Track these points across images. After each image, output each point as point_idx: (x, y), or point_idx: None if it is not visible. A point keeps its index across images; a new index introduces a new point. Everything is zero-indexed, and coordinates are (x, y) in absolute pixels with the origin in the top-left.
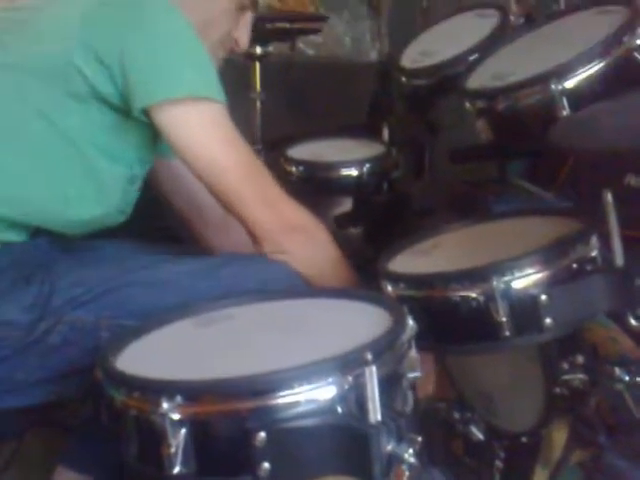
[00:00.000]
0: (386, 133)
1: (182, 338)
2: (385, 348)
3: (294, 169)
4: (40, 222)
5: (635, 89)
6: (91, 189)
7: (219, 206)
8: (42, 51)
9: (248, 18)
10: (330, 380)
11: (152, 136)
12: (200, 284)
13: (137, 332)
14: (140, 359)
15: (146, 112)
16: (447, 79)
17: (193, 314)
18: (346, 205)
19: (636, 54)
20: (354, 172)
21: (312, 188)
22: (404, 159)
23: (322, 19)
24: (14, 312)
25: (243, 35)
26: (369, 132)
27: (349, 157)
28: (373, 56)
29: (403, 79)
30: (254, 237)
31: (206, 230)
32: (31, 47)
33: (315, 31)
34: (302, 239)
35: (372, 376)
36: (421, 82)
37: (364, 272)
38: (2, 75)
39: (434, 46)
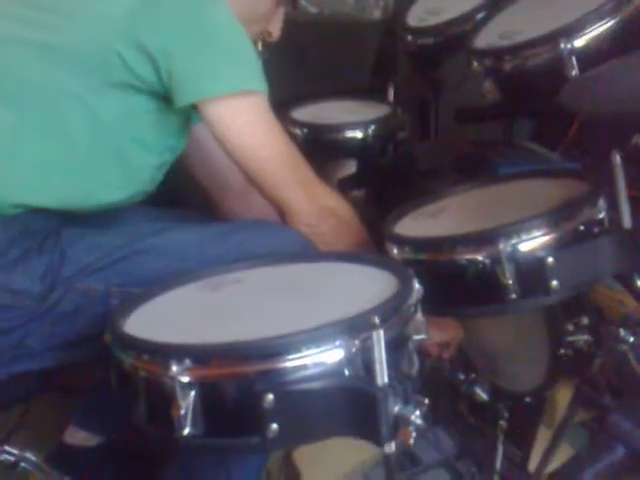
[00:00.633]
0: (391, 93)
1: (190, 302)
2: (392, 312)
3: (298, 131)
4: (62, 206)
5: None
6: (119, 176)
7: (239, 172)
8: (84, 35)
9: (281, 11)
10: (337, 343)
11: (186, 123)
12: (209, 251)
13: (145, 296)
14: (148, 323)
15: (194, 106)
16: (454, 38)
17: (201, 278)
18: (350, 167)
19: None
20: (359, 134)
21: (316, 150)
22: (409, 119)
23: None
24: (27, 281)
25: (276, 28)
26: (373, 92)
27: (354, 118)
28: (377, 14)
29: (409, 38)
30: (289, 219)
31: (225, 196)
32: (74, 30)
33: None
34: (335, 222)
35: (379, 339)
36: (427, 41)
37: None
38: (37, 55)
39: (440, 4)
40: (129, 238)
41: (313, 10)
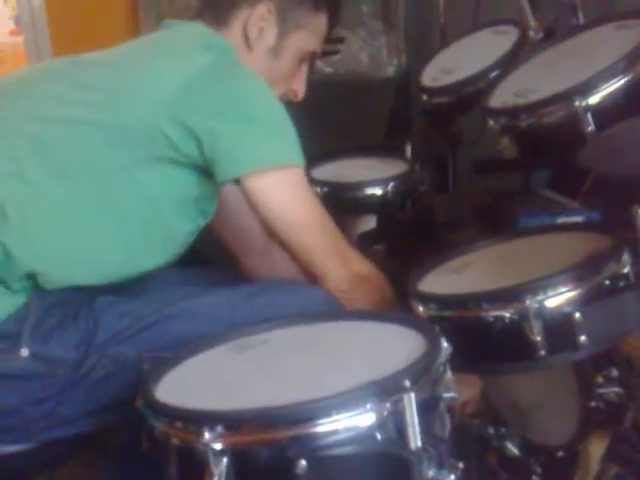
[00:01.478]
0: (409, 150)
1: (218, 365)
2: (422, 373)
3: (319, 190)
4: (105, 281)
5: None
6: (159, 244)
7: (263, 232)
8: (132, 114)
9: (305, 69)
10: (368, 407)
11: (217, 191)
12: (238, 313)
13: (174, 361)
14: (178, 388)
15: (236, 180)
16: (468, 96)
17: (228, 340)
18: (370, 222)
19: None
20: (379, 191)
21: (337, 208)
22: (427, 174)
23: (339, 40)
24: (62, 350)
25: (301, 86)
26: (389, 148)
27: (373, 176)
28: (391, 71)
29: (424, 97)
30: (323, 283)
31: (249, 255)
32: (119, 107)
33: (334, 53)
34: (368, 288)
35: (411, 402)
36: (442, 100)
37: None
38: (83, 131)
39: (454, 63)
40: (159, 303)
41: (328, 70)
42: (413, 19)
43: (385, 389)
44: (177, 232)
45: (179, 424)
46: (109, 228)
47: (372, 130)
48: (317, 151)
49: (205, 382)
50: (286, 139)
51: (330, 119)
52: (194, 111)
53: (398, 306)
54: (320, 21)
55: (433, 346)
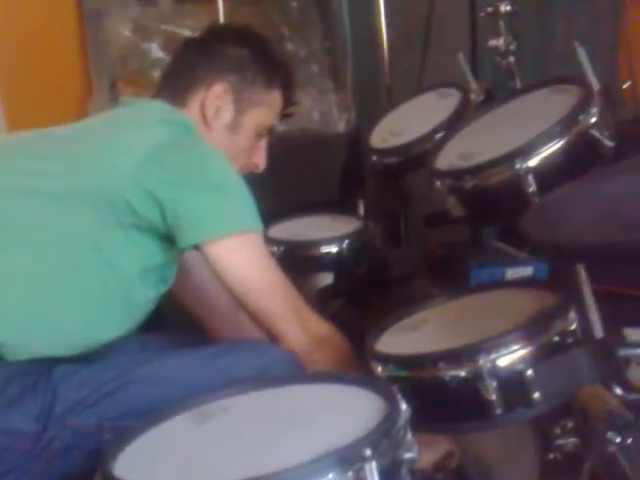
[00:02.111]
0: (361, 207)
1: (177, 437)
2: (382, 438)
3: (276, 249)
4: (68, 353)
5: (596, 172)
6: (122, 313)
7: (227, 297)
8: (94, 183)
9: (264, 143)
10: (330, 477)
11: (177, 257)
12: (197, 377)
13: (134, 433)
14: (138, 463)
15: (196, 246)
16: (416, 156)
17: (187, 409)
18: (327, 278)
19: (592, 131)
20: (334, 249)
21: (294, 266)
22: (381, 229)
23: (294, 104)
24: (23, 421)
25: (261, 159)
26: (343, 205)
27: (328, 234)
28: (341, 128)
29: (374, 158)
30: (284, 347)
31: (216, 320)
32: (80, 176)
33: (289, 116)
34: (327, 349)
35: (372, 470)
36: (392, 160)
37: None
38: (45, 201)
39: (401, 125)
40: (119, 370)
41: (281, 128)
42: (361, 78)
43: (345, 459)
44: (139, 299)
45: None
46: (72, 296)
47: (327, 186)
48: (274, 208)
49: (163, 457)
50: (244, 206)
51: (285, 176)
52: (156, 179)
53: (358, 366)
54: (274, 97)
55: (392, 409)
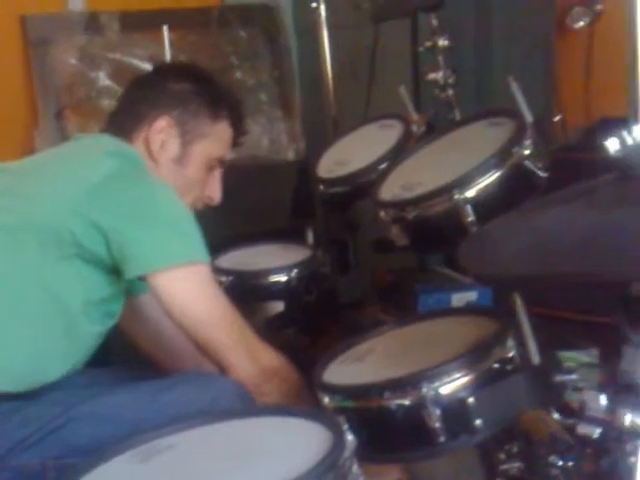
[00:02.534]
0: (310, 236)
1: (122, 476)
2: (327, 472)
3: (224, 279)
4: (12, 390)
5: (529, 203)
6: (64, 348)
7: (179, 336)
8: (38, 213)
9: (217, 175)
10: None
11: (125, 291)
12: (143, 413)
13: (77, 472)
14: None
15: (142, 278)
16: (361, 186)
17: (134, 446)
18: (277, 307)
19: (526, 163)
20: (283, 278)
21: (243, 296)
22: (329, 257)
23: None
24: None
25: (215, 192)
26: (293, 234)
27: (277, 263)
28: (291, 156)
29: (321, 187)
30: (235, 380)
31: (178, 364)
32: (27, 209)
33: (239, 145)
34: (276, 381)
35: None
36: (338, 190)
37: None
38: None
39: (346, 156)
40: (63, 406)
41: (230, 155)
42: (309, 108)
43: None
44: (83, 333)
45: None
46: (14, 328)
47: (277, 214)
48: (223, 237)
49: None
50: (190, 237)
51: (234, 204)
52: (101, 210)
53: (307, 396)
54: (222, 129)
55: (338, 441)
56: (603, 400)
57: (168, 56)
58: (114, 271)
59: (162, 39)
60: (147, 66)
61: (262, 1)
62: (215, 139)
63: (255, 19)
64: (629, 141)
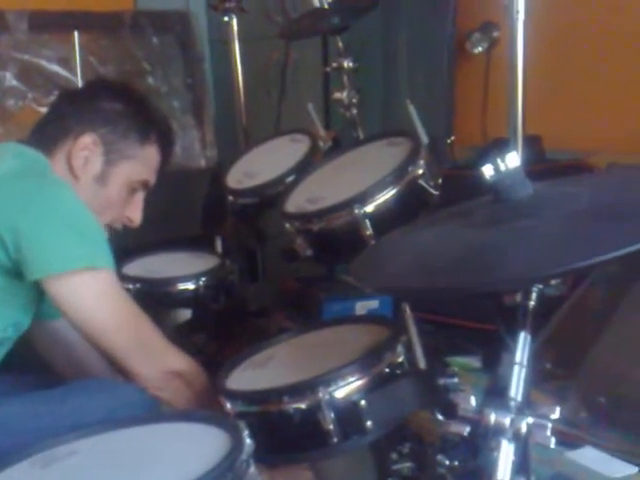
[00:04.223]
0: (219, 244)
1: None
2: (225, 473)
3: (131, 286)
4: None
5: (421, 219)
6: None
7: (99, 363)
8: None
9: (139, 198)
10: None
11: (35, 300)
12: (44, 422)
13: None
14: None
15: (40, 282)
16: (269, 198)
17: (34, 454)
18: (186, 314)
19: (420, 181)
20: (191, 286)
21: (151, 303)
22: (238, 266)
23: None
24: None
25: (136, 214)
26: (203, 242)
27: (185, 271)
28: (203, 163)
29: (231, 198)
30: (138, 383)
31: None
32: None
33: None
34: (179, 385)
35: None
36: (246, 201)
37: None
38: None
39: (255, 167)
40: None
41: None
42: (221, 116)
43: None
44: None
45: None
46: None
47: (188, 221)
48: (132, 243)
49: None
50: (93, 242)
51: (144, 210)
52: None
53: (213, 399)
54: (149, 153)
55: (235, 445)
56: (473, 401)
57: (78, 59)
58: (17, 275)
59: (72, 41)
60: (56, 68)
61: (176, 8)
62: (141, 162)
63: (168, 26)
64: (502, 167)
